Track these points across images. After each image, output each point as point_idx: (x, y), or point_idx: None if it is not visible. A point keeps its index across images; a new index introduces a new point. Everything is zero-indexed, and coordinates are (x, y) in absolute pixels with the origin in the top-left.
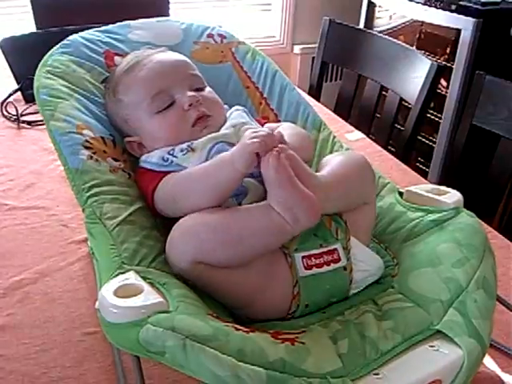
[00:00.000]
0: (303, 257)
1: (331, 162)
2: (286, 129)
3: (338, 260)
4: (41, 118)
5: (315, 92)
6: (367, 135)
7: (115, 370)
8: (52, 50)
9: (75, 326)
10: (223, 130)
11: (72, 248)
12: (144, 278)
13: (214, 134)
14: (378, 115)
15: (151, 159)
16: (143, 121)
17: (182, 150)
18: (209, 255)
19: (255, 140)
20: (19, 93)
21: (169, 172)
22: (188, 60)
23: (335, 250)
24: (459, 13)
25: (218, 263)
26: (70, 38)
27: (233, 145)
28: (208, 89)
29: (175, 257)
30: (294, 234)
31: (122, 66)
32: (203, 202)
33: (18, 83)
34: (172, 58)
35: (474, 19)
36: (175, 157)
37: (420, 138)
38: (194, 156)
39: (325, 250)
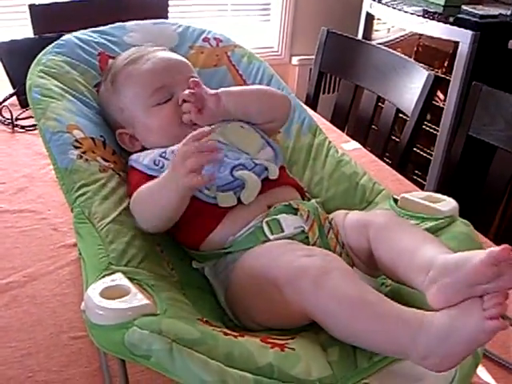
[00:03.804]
0: None
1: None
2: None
3: None
4: (35, 123)
5: (312, 102)
6: (363, 146)
7: (102, 374)
8: (46, 48)
9: (62, 330)
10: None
11: (62, 252)
12: (132, 279)
13: None
14: (375, 127)
15: (143, 160)
16: (140, 112)
17: (173, 152)
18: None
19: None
20: (15, 97)
21: (156, 177)
22: (190, 63)
23: None
24: (457, 25)
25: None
26: (65, 37)
27: (222, 143)
28: None
29: None
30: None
31: (124, 58)
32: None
33: (14, 88)
34: (176, 57)
35: (471, 32)
36: (167, 159)
37: (417, 150)
38: None
39: None
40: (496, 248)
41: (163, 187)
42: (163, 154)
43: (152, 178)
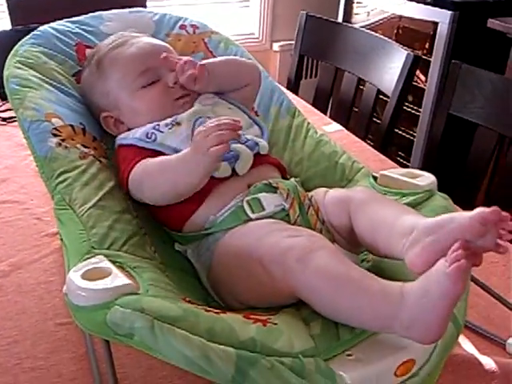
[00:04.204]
0: None
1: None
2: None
3: None
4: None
5: (293, 86)
6: (345, 129)
7: (88, 359)
8: (23, 40)
9: (48, 317)
10: (200, 106)
11: (46, 241)
12: (113, 262)
13: (194, 109)
14: (356, 109)
15: (134, 135)
16: (126, 95)
17: (167, 125)
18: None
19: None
20: None
21: (149, 150)
22: (172, 49)
23: None
24: (436, 6)
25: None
26: (41, 28)
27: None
28: None
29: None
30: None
31: (109, 42)
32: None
33: None
34: (160, 42)
35: (450, 12)
36: (161, 132)
37: (399, 132)
38: (181, 129)
39: None
40: (486, 208)
41: (184, 167)
42: (156, 127)
43: (145, 150)
